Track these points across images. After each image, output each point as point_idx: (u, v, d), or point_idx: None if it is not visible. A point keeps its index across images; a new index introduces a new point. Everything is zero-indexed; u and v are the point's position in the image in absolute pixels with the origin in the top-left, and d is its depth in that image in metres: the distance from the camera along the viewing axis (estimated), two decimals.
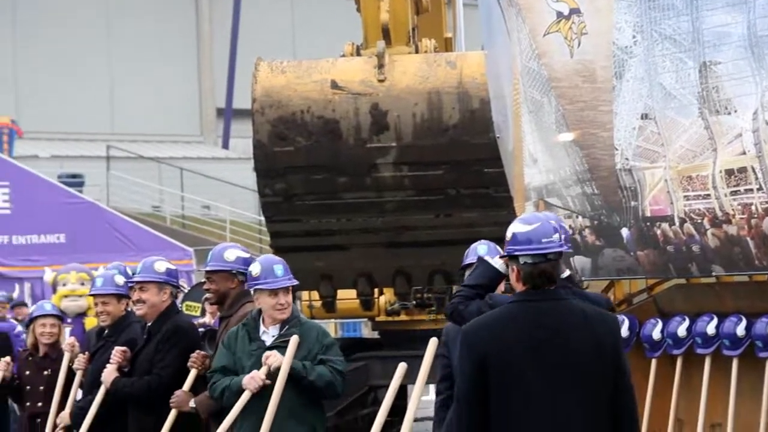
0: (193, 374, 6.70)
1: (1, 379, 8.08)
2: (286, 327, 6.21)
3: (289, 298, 6.27)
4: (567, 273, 5.70)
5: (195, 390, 6.71)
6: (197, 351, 6.77)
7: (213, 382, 6.30)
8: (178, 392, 6.66)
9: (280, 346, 6.13)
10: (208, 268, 6.67)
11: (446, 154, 10.90)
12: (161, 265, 7.00)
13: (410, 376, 5.79)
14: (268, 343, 6.19)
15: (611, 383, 4.39)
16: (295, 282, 6.31)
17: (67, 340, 7.90)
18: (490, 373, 4.35)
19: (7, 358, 8.13)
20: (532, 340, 4.37)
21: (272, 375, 6.09)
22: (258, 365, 6.14)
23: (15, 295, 15.98)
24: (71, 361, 7.76)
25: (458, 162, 10.90)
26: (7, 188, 19.40)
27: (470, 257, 6.12)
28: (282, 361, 6.08)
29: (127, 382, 6.90)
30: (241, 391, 6.14)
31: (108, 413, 7.07)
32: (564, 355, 4.35)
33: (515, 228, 4.56)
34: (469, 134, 10.80)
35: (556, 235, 4.50)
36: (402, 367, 5.76)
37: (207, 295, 6.88)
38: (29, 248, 19.35)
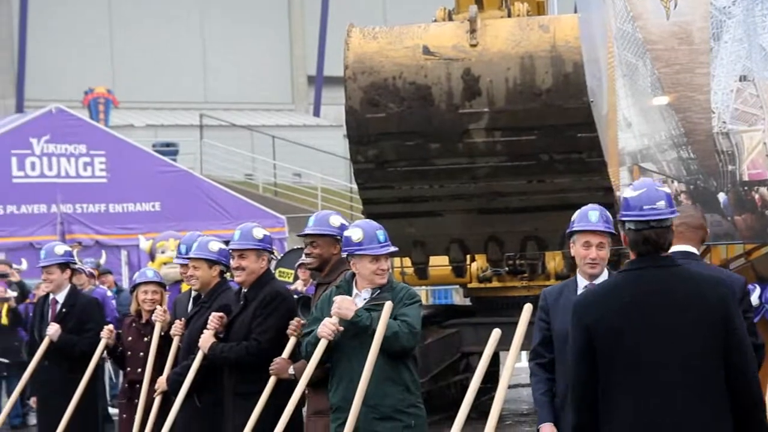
0: (292, 342, 6.74)
1: (104, 346, 8.21)
2: (378, 291, 6.22)
3: (388, 263, 6.28)
4: (687, 248, 5.61)
5: (294, 359, 6.75)
6: (296, 319, 6.79)
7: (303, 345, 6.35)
8: (277, 359, 6.70)
9: (371, 309, 6.15)
10: (313, 231, 6.65)
11: (539, 119, 10.80)
12: (259, 232, 7.04)
13: (503, 343, 5.76)
14: (361, 306, 6.20)
15: (721, 348, 4.30)
16: (395, 248, 6.30)
17: (158, 309, 7.99)
18: (598, 342, 4.32)
19: (110, 326, 8.26)
20: (638, 307, 4.32)
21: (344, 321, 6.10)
22: (345, 328, 6.14)
23: (102, 261, 16.23)
24: (163, 328, 7.86)
25: (551, 127, 10.80)
26: (103, 157, 19.69)
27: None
28: (347, 306, 6.09)
29: (224, 347, 6.96)
30: (318, 340, 6.16)
31: (204, 379, 7.15)
32: (670, 322, 4.28)
33: (625, 193, 4.52)
34: (563, 99, 10.69)
35: (661, 203, 4.42)
36: (496, 332, 5.73)
37: (308, 259, 6.80)
38: (125, 216, 19.64)
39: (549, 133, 10.85)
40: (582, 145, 10.79)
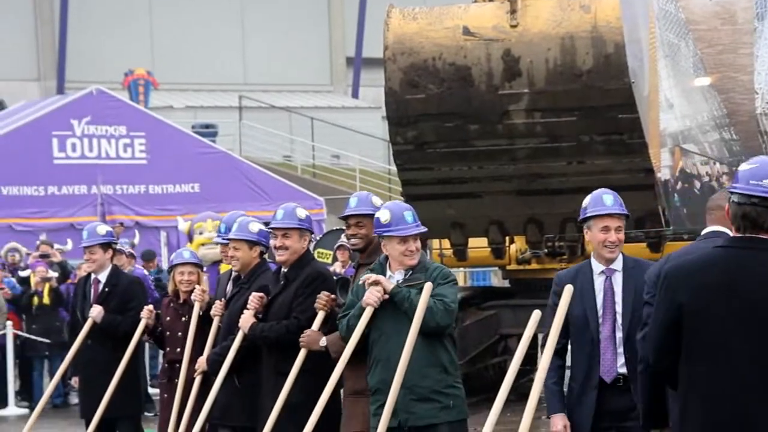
0: (321, 315, 6.74)
1: (144, 326, 8.25)
2: (411, 272, 6.21)
3: (418, 244, 6.26)
4: (721, 228, 5.55)
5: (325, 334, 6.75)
6: (323, 293, 6.79)
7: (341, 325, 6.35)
8: (307, 331, 6.70)
9: None
10: (359, 212, 6.63)
11: (579, 100, 10.74)
12: (302, 212, 7.05)
13: (542, 325, 5.74)
14: None
15: None
16: (424, 229, 6.28)
17: (197, 288, 8.02)
18: (684, 318, 4.28)
19: (150, 306, 8.30)
20: (726, 288, 4.25)
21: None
22: (381, 308, 6.14)
23: (136, 242, 16.31)
24: (201, 308, 7.88)
25: (592, 108, 10.74)
26: (143, 139, 19.80)
27: None
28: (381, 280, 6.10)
29: (264, 327, 6.97)
30: (362, 311, 6.15)
31: (244, 359, 7.17)
32: (756, 306, 4.22)
33: (741, 165, 4.44)
34: (604, 79, 10.62)
35: None
36: (536, 314, 5.71)
37: (354, 240, 6.74)
38: (164, 198, 19.74)
39: (589, 114, 10.78)
40: (623, 126, 10.72)
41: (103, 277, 8.61)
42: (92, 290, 8.62)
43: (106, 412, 8.34)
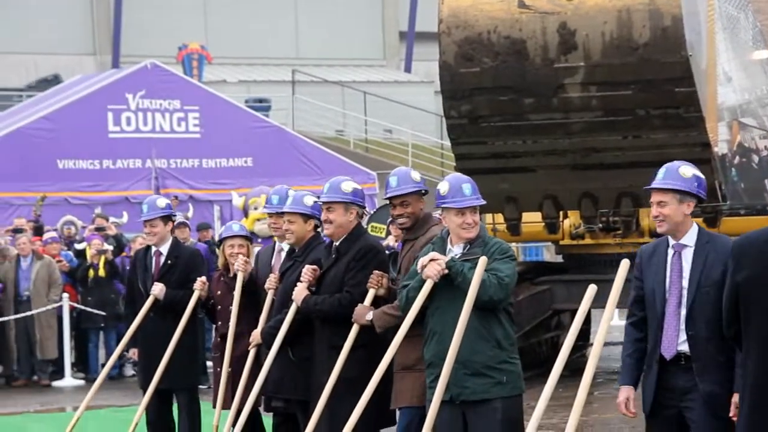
0: (371, 293, 6.74)
1: (197, 298, 8.28)
2: (469, 246, 6.17)
3: (476, 217, 6.21)
4: None
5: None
6: (376, 272, 6.78)
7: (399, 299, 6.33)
8: (357, 307, 6.72)
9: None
10: (401, 191, 6.60)
11: (636, 73, 10.63)
12: (348, 185, 7.02)
13: (596, 300, 5.69)
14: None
15: None
16: (483, 202, 6.25)
17: (239, 258, 8.04)
18: (742, 285, 4.24)
19: (203, 278, 8.32)
20: None
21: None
22: (438, 282, 6.12)
23: (190, 215, 16.39)
24: (245, 279, 7.90)
25: (648, 81, 10.63)
26: (197, 113, 19.86)
27: None
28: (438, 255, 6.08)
29: (317, 300, 6.97)
30: (423, 283, 6.14)
31: (298, 332, 7.18)
32: None
33: None
34: (660, 52, 10.50)
35: None
36: (592, 288, 5.67)
37: (401, 219, 6.74)
38: (218, 172, 19.81)
39: (646, 87, 10.67)
40: (679, 100, 10.61)
41: (164, 249, 8.63)
42: (153, 262, 8.63)
43: (166, 383, 8.42)
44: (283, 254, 7.81)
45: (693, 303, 5.58)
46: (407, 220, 6.67)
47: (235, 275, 8.05)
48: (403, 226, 6.73)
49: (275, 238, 8.02)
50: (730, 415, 5.43)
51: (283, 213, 7.64)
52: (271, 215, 7.87)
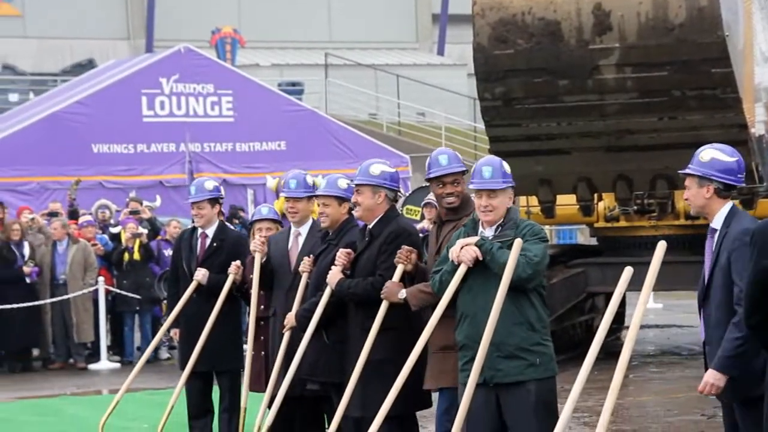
0: (399, 269, 6.72)
1: (231, 282, 8.30)
2: (500, 228, 6.15)
3: (495, 201, 6.15)
4: None
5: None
6: (404, 246, 6.77)
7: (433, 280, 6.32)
8: (387, 283, 6.70)
9: None
10: (455, 170, 6.58)
11: (672, 54, 10.55)
12: (377, 168, 7.00)
13: (632, 283, 5.65)
14: None
15: None
16: (496, 186, 6.14)
17: (257, 238, 8.01)
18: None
19: (238, 262, 8.32)
20: None
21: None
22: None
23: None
24: (262, 258, 7.89)
25: (684, 62, 10.54)
26: (230, 97, 19.88)
27: None
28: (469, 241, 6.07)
29: (351, 283, 6.97)
30: (455, 267, 6.13)
31: (332, 315, 7.18)
32: None
33: None
34: (697, 33, 10.41)
35: None
36: (628, 271, 5.62)
37: (450, 198, 6.70)
38: (251, 155, 19.84)
39: (682, 68, 10.59)
40: (716, 81, 10.52)
41: (210, 231, 8.63)
42: (199, 244, 8.63)
43: (207, 365, 8.45)
44: (300, 239, 7.83)
45: (707, 288, 5.59)
46: (456, 200, 6.65)
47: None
48: (451, 205, 6.69)
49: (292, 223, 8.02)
50: (702, 390, 5.48)
51: (299, 197, 7.68)
52: (288, 199, 7.88)
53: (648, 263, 5.48)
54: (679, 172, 5.71)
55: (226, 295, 8.32)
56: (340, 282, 7.00)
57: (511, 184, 6.20)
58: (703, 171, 5.68)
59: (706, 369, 5.57)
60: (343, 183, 7.40)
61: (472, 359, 5.96)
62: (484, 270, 6.06)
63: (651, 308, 16.92)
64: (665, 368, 12.22)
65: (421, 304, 6.56)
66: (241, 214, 15.25)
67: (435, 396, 6.88)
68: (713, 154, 5.72)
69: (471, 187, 6.18)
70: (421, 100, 29.11)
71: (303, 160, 18.26)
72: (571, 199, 12.35)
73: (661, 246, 5.56)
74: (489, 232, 6.16)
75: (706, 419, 9.51)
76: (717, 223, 5.66)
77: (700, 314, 5.72)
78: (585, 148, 11.48)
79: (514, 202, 6.37)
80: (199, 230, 8.65)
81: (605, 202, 13.18)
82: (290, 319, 7.57)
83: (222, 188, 8.87)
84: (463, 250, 6.06)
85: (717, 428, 9.12)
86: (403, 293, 6.62)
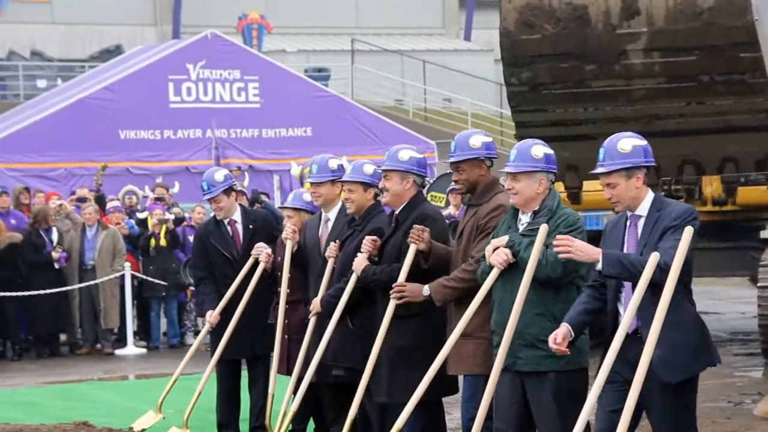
0: (412, 249, 6.70)
1: (262, 270, 8.31)
2: (535, 216, 6.13)
3: (518, 185, 6.11)
4: None
5: (419, 266, 6.72)
6: (415, 225, 6.74)
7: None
8: (409, 286, 6.66)
9: (527, 234, 6.07)
10: (453, 159, 6.61)
11: (700, 38, 10.45)
12: (405, 154, 7.00)
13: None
14: (520, 231, 6.13)
15: None
16: (522, 169, 6.09)
17: (287, 227, 8.02)
18: None
19: (269, 250, 8.32)
20: None
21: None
22: None
23: (245, 184, 16.45)
24: (293, 247, 7.90)
25: (712, 47, 10.44)
26: (256, 83, 19.90)
27: None
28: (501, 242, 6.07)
29: (376, 270, 6.97)
30: (491, 268, 6.13)
31: (358, 301, 7.18)
32: None
33: None
34: (725, 17, 10.31)
35: None
36: (655, 256, 5.59)
37: (456, 185, 6.81)
38: (277, 141, 19.87)
39: (710, 53, 10.49)
40: (744, 66, 10.41)
41: (237, 217, 8.62)
42: (231, 230, 8.59)
43: (241, 352, 8.46)
44: (330, 224, 7.84)
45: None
46: (462, 186, 6.71)
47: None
48: (459, 191, 6.74)
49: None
50: (553, 344, 5.53)
51: (321, 182, 7.69)
52: (311, 184, 7.89)
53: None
54: (609, 171, 5.60)
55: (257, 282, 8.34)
56: (366, 269, 7.00)
57: (538, 168, 6.14)
58: (633, 161, 5.63)
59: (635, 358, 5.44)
60: (368, 168, 7.39)
61: (499, 344, 5.97)
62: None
63: None
64: None
65: (445, 300, 6.55)
66: (264, 199, 15.26)
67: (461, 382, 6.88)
68: (633, 142, 5.70)
69: (503, 170, 6.19)
70: (448, 86, 29.07)
71: (329, 146, 18.18)
72: (597, 185, 12.26)
73: (688, 231, 5.52)
74: (525, 219, 6.16)
75: (732, 406, 9.47)
76: (643, 209, 5.65)
77: (619, 299, 5.62)
78: (612, 133, 11.35)
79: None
80: (225, 220, 8.64)
81: None
82: (315, 304, 7.57)
83: (235, 176, 8.85)
84: (495, 254, 6.05)
85: (744, 415, 9.08)
86: (426, 290, 6.63)
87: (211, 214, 8.95)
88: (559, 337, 5.65)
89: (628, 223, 5.68)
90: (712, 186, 12.85)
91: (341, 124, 20.12)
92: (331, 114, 20.14)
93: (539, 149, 6.19)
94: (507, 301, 5.97)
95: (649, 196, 5.69)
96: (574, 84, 11.03)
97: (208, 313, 8.52)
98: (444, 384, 6.73)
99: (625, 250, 5.63)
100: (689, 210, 5.70)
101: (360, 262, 7.03)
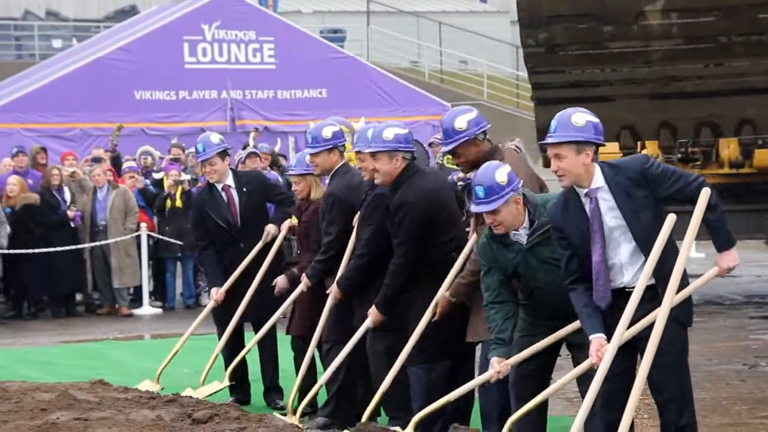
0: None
1: (282, 240, 8.44)
2: (531, 227, 6.01)
3: (498, 217, 5.88)
4: None
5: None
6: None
7: None
8: (438, 300, 6.67)
9: (535, 244, 6.01)
10: (446, 149, 6.54)
11: None
12: (389, 132, 6.85)
13: (676, 231, 5.57)
14: (525, 246, 6.04)
15: None
16: (493, 207, 5.85)
17: (284, 225, 8.14)
18: None
19: (289, 221, 8.37)
20: None
21: None
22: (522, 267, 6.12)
23: (277, 148, 16.40)
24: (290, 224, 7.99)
25: (731, 7, 10.39)
26: (272, 44, 19.82)
27: None
28: None
29: (385, 294, 6.97)
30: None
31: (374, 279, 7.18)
32: None
33: None
34: None
35: None
36: (671, 218, 5.56)
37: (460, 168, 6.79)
38: (293, 103, 19.80)
39: (728, 13, 10.43)
40: (763, 26, 10.36)
41: (230, 182, 8.56)
42: (226, 196, 8.55)
43: (252, 316, 8.51)
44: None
45: (636, 232, 5.46)
46: (464, 167, 6.60)
47: (299, 208, 8.12)
48: (464, 171, 6.67)
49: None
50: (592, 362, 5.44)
51: (316, 152, 7.62)
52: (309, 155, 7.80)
53: (690, 212, 5.41)
54: (558, 141, 5.40)
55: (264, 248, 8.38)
56: (379, 308, 6.99)
57: (511, 194, 5.85)
58: (585, 136, 5.48)
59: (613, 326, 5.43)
60: (389, 133, 6.91)
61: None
62: (532, 259, 5.91)
63: (693, 257, 16.80)
64: (707, 318, 12.15)
65: (469, 296, 6.58)
66: (282, 161, 15.25)
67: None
68: (586, 117, 5.52)
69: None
70: (464, 48, 28.93)
71: (344, 108, 18.18)
72: (614, 147, 12.24)
73: (705, 193, 5.49)
74: (519, 237, 5.93)
75: (747, 368, 9.46)
76: (598, 181, 5.46)
77: (594, 279, 5.48)
78: (629, 95, 11.36)
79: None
80: (218, 185, 8.54)
81: (649, 150, 13.05)
82: (335, 291, 7.43)
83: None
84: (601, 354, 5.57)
85: (759, 377, 9.08)
86: (452, 297, 6.63)
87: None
88: (602, 352, 5.50)
89: (586, 200, 5.49)
90: (729, 148, 12.80)
91: (357, 85, 20.04)
92: (347, 75, 20.06)
93: (500, 174, 5.92)
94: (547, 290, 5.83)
95: (598, 168, 5.49)
96: (591, 45, 11.00)
97: (214, 290, 8.54)
98: (460, 349, 6.78)
99: (592, 229, 5.50)
100: (643, 156, 5.65)
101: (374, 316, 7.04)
